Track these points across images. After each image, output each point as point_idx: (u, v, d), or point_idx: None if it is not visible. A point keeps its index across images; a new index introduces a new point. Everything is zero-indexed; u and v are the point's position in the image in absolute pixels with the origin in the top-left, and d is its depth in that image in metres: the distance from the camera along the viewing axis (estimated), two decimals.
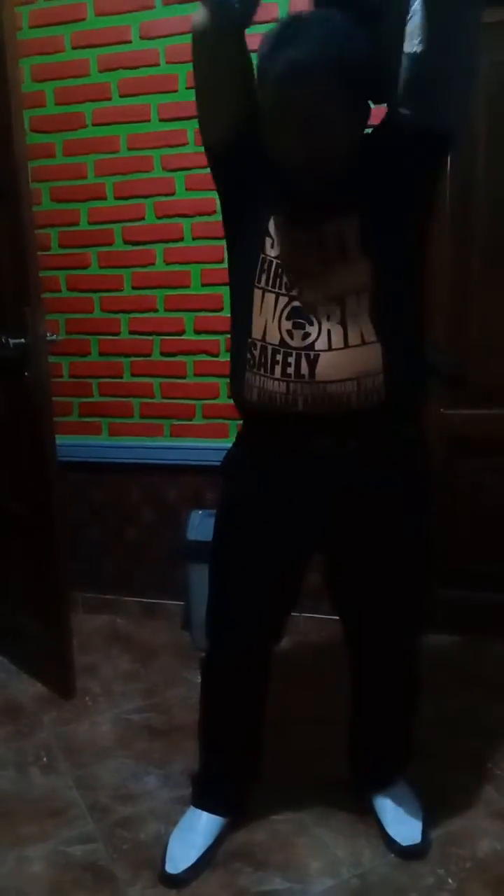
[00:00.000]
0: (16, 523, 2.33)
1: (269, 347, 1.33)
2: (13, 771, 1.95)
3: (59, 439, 2.17)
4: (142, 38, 2.37)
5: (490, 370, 2.36)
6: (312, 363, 1.30)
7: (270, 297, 1.34)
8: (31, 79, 2.49)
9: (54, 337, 2.16)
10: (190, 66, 2.38)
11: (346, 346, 1.29)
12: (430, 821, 1.68)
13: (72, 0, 2.40)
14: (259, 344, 1.35)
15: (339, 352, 1.29)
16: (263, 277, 1.35)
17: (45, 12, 2.43)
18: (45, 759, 1.99)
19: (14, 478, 2.30)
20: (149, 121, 2.42)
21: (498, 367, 2.35)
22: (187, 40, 2.33)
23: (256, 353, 1.35)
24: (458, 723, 2.08)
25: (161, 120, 2.40)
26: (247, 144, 1.33)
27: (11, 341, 2.04)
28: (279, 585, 1.55)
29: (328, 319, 1.30)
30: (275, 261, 1.34)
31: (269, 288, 1.34)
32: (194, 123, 2.31)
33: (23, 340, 2.02)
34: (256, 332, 1.36)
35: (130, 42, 2.38)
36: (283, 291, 1.33)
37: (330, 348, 1.29)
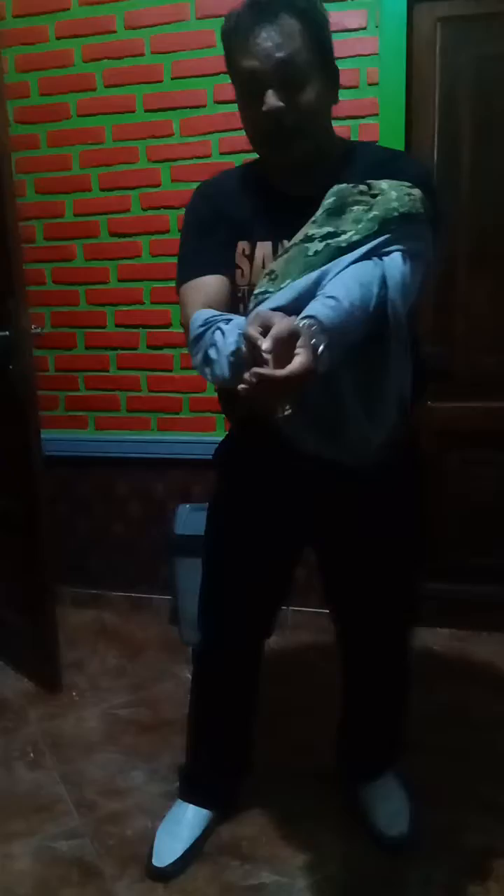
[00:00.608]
0: (1, 518, 2.31)
1: None
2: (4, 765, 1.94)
3: (45, 433, 2.15)
4: (126, 27, 2.35)
5: (475, 363, 2.36)
6: None
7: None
8: (14, 69, 2.46)
9: (39, 330, 2.15)
10: (176, 55, 2.38)
11: None
12: (418, 814, 1.68)
13: None
14: None
15: None
16: (241, 307, 1.33)
17: (28, 2, 2.41)
18: (31, 755, 1.98)
19: None
20: (134, 111, 2.40)
21: (483, 359, 2.36)
22: (173, 30, 2.35)
23: None
24: (446, 716, 2.08)
25: (146, 111, 2.38)
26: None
27: None
28: (271, 578, 1.54)
29: None
30: (249, 286, 1.32)
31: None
32: (180, 114, 2.35)
33: (7, 333, 2.00)
34: None
35: (115, 32, 2.36)
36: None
37: None
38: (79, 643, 2.55)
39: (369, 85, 2.18)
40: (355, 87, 2.17)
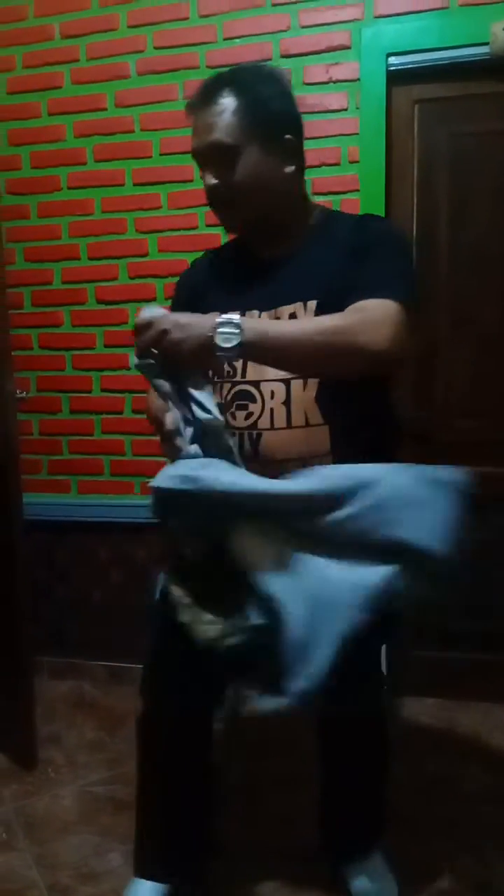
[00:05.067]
0: None
1: None
2: None
3: (26, 497, 2.13)
4: (117, 105, 2.43)
5: (455, 428, 2.38)
6: (255, 442, 1.31)
7: (219, 386, 1.36)
8: (7, 143, 2.53)
9: (24, 394, 2.14)
10: (165, 133, 2.46)
11: (290, 426, 1.30)
12: (405, 893, 1.60)
13: (49, 69, 2.47)
14: None
15: (282, 431, 1.30)
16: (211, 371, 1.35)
17: (22, 79, 2.50)
18: (3, 836, 1.89)
19: None
20: (123, 185, 2.46)
21: (462, 424, 2.38)
22: (161, 108, 2.44)
23: None
24: (434, 789, 2.01)
25: (135, 184, 2.45)
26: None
27: None
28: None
29: (272, 398, 1.31)
30: None
31: (218, 378, 1.36)
32: (168, 188, 2.41)
33: None
34: None
35: (106, 109, 2.44)
36: (231, 377, 1.34)
37: (272, 427, 1.30)
38: (56, 716, 2.46)
39: (350, 163, 2.26)
40: (337, 164, 2.25)
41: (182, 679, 1.49)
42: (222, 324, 1.10)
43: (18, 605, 2.11)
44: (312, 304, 1.31)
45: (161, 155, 2.41)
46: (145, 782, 1.60)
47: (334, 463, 1.30)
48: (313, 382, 1.30)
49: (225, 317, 1.11)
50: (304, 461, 1.29)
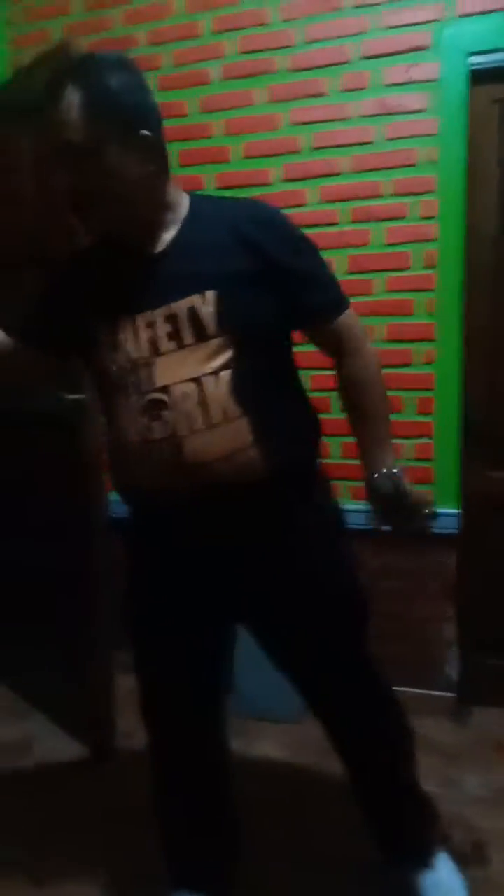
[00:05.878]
0: (59, 580, 2.30)
1: (134, 446, 1.30)
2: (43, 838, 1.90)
3: (112, 495, 2.17)
4: (201, 111, 2.46)
5: None
6: (177, 450, 1.26)
7: (126, 400, 1.30)
8: None
9: None
10: (246, 137, 2.46)
11: (209, 426, 1.25)
12: None
13: None
14: (126, 447, 1.33)
15: (203, 433, 1.25)
16: (111, 383, 1.33)
17: None
18: (78, 826, 1.93)
19: (59, 536, 2.27)
20: (202, 188, 2.49)
21: None
22: (244, 113, 2.44)
23: (124, 456, 1.34)
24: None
25: (217, 188, 2.48)
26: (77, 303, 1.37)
27: (69, 396, 2.03)
28: (194, 659, 1.48)
29: (185, 401, 1.25)
30: (123, 364, 1.30)
31: (124, 391, 1.30)
32: (248, 191, 2.42)
33: (82, 396, 2.01)
34: (122, 436, 1.33)
35: (187, 115, 2.48)
36: (138, 388, 1.29)
37: (191, 431, 1.25)
38: (132, 710, 2.50)
39: (430, 163, 2.23)
40: (416, 165, 2.23)
41: (166, 691, 1.53)
42: (396, 483, 1.37)
43: (99, 602, 2.16)
44: (210, 294, 1.25)
45: (243, 159, 2.43)
46: (160, 795, 1.60)
47: (260, 453, 1.27)
48: (226, 377, 1.25)
49: (381, 480, 1.38)
50: (229, 458, 1.26)
